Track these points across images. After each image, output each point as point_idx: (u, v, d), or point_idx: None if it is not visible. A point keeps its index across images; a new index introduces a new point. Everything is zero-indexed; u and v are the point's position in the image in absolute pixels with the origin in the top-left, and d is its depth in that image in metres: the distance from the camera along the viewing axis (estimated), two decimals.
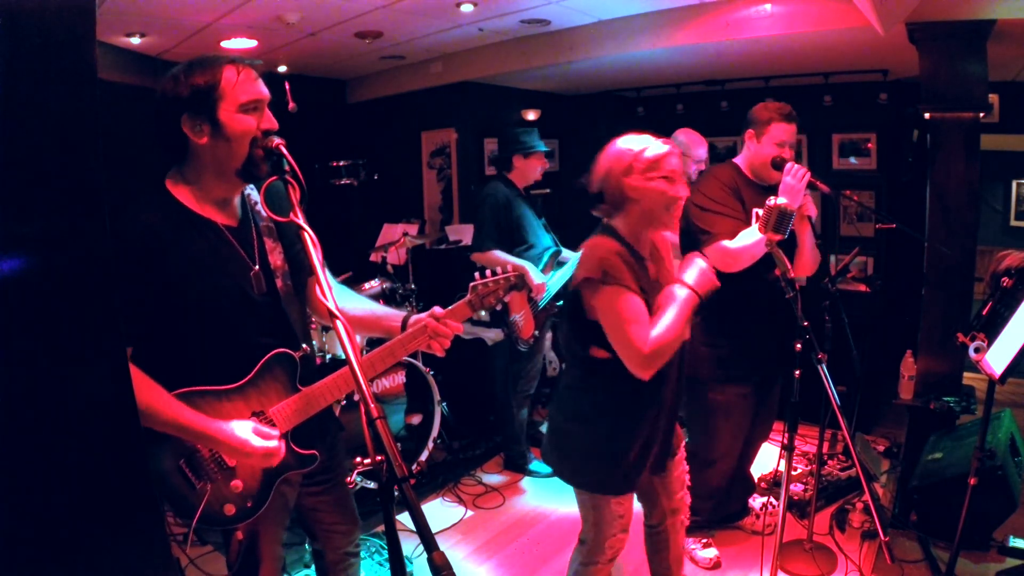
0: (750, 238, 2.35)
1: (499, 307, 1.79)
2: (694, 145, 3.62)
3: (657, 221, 1.84)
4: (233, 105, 1.44)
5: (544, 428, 4.26)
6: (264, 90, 1.49)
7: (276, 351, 1.54)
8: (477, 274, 1.76)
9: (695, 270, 1.81)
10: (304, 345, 1.60)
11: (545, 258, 3.55)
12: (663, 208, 1.80)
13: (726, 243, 2.40)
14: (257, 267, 1.56)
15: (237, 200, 1.59)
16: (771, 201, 2.19)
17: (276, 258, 1.59)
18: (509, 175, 3.58)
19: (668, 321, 1.73)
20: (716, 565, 2.77)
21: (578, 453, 1.94)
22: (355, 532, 1.90)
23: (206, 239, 1.51)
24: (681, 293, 1.77)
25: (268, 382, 1.55)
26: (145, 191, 1.51)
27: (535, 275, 3.35)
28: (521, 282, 1.75)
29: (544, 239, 3.60)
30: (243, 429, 1.46)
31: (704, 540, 2.83)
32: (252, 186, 1.64)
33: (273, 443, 1.48)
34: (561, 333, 1.97)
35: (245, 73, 1.47)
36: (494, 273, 1.75)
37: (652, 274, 1.88)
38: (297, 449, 1.59)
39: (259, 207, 1.62)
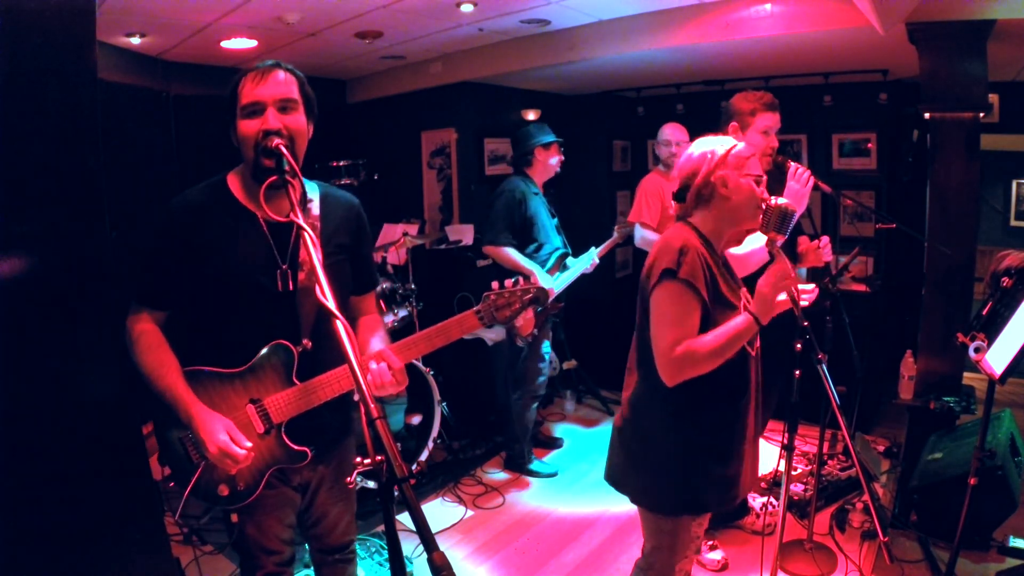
0: (757, 242, 2.33)
1: (513, 322, 1.64)
2: (679, 136, 3.65)
3: (742, 220, 1.80)
4: (239, 111, 1.50)
5: (544, 427, 4.28)
6: (263, 92, 1.49)
7: (274, 342, 1.57)
8: (495, 283, 1.63)
9: (759, 297, 1.69)
10: (306, 340, 1.60)
11: (552, 259, 3.55)
12: (751, 207, 1.76)
13: (733, 249, 2.40)
14: (285, 265, 1.58)
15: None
16: (772, 201, 2.19)
17: (308, 253, 1.59)
18: (529, 171, 3.59)
19: (712, 336, 1.65)
20: (723, 567, 2.77)
21: (659, 473, 1.80)
22: (350, 540, 1.89)
23: (242, 228, 1.57)
24: (740, 317, 1.68)
25: (267, 372, 1.58)
26: (209, 180, 1.63)
27: (543, 280, 3.33)
28: (543, 298, 1.61)
29: (555, 240, 3.59)
30: (217, 425, 1.49)
31: (710, 542, 2.83)
32: (314, 187, 1.70)
33: (239, 451, 1.48)
34: (636, 341, 1.85)
35: (255, 77, 1.50)
36: (514, 282, 1.63)
37: (723, 285, 1.77)
38: (289, 443, 1.60)
39: (311, 206, 1.65)
